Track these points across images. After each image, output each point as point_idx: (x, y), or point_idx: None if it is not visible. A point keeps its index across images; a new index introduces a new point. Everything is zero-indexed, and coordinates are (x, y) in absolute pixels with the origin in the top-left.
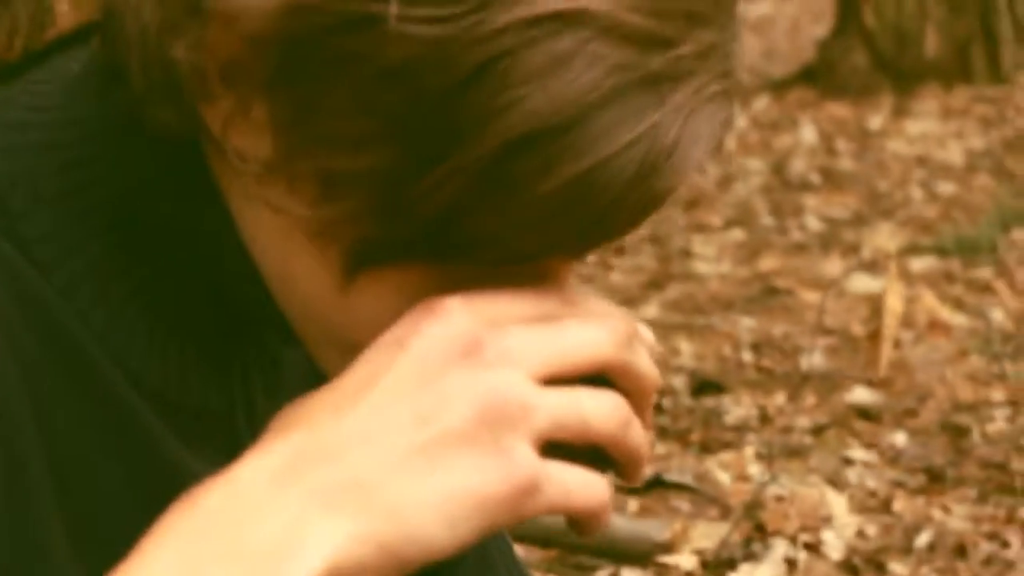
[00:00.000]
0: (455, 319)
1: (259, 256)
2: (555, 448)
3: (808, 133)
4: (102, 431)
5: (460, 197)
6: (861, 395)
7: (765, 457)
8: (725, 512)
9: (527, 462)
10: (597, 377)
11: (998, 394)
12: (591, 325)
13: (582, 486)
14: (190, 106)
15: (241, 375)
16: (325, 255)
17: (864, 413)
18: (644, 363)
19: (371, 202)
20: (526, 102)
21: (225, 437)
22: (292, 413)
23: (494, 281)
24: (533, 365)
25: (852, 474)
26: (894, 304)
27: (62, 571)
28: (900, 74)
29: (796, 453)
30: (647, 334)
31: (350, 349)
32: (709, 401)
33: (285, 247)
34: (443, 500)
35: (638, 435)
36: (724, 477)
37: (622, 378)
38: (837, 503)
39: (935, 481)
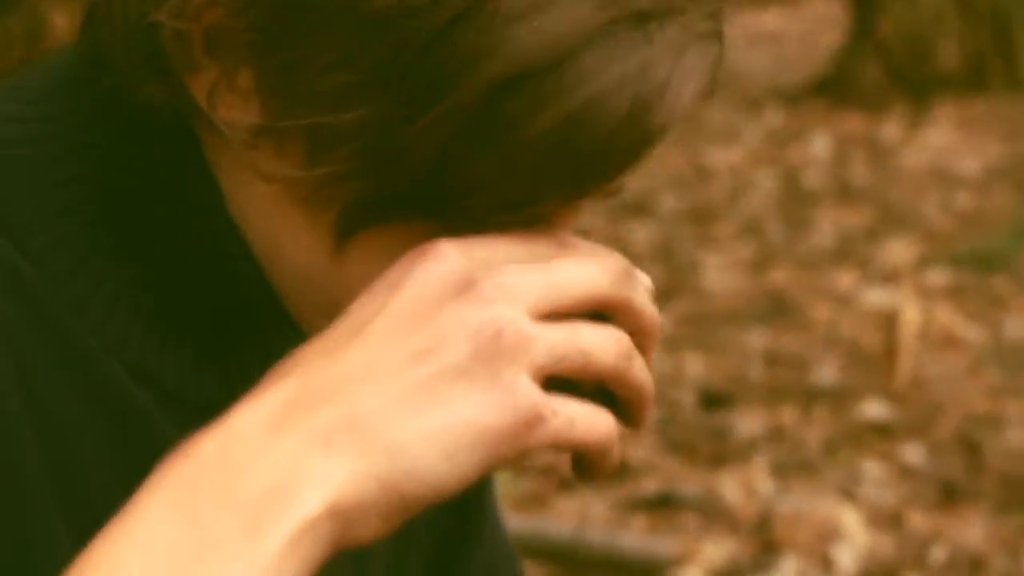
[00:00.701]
0: (449, 259)
1: (250, 232)
2: (558, 392)
3: (821, 145)
4: (100, 423)
5: (450, 144)
6: (874, 409)
7: (775, 472)
8: (734, 528)
9: (528, 393)
10: (598, 316)
11: (1014, 408)
12: (587, 262)
13: (587, 417)
14: (176, 79)
15: (240, 369)
16: (316, 223)
17: (877, 427)
18: (643, 300)
19: (361, 156)
20: (512, 42)
21: None
22: (287, 362)
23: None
24: (529, 300)
25: (865, 489)
26: (910, 317)
27: (64, 563)
28: (915, 85)
29: (807, 468)
30: (644, 277)
31: None
32: (718, 415)
33: (276, 219)
34: (443, 434)
35: (642, 371)
36: (734, 492)
37: (622, 314)
38: (849, 518)
39: (949, 495)
